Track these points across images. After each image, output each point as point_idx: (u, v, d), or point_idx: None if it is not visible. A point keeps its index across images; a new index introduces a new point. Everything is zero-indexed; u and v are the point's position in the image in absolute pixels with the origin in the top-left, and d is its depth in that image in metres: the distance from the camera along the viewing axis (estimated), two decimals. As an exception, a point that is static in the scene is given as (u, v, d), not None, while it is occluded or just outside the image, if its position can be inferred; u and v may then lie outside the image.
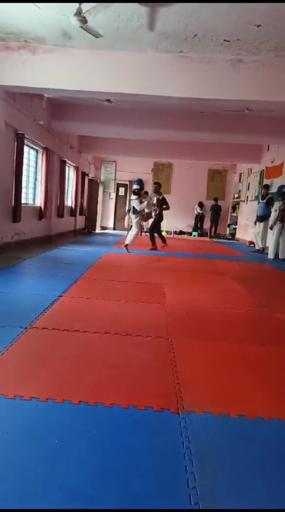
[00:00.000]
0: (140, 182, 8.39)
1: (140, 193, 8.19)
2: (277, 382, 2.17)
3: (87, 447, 1.48)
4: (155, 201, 8.94)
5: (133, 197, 8.07)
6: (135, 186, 8.18)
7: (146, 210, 8.27)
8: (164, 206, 8.90)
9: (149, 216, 9.06)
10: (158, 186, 9.19)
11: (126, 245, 7.77)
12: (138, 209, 7.90)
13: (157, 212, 8.86)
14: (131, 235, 7.94)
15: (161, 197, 8.93)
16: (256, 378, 2.20)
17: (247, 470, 1.42)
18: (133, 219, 8.10)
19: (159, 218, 8.99)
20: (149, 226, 9.65)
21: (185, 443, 1.53)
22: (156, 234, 9.01)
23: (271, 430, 1.69)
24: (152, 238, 8.80)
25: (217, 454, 1.51)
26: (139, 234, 12.64)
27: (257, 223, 9.43)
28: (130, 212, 8.09)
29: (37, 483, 1.27)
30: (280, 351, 2.67)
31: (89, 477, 1.32)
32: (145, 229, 13.15)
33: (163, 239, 9.29)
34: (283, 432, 1.68)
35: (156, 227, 9.08)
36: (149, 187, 14.85)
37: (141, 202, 7.92)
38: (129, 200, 8.77)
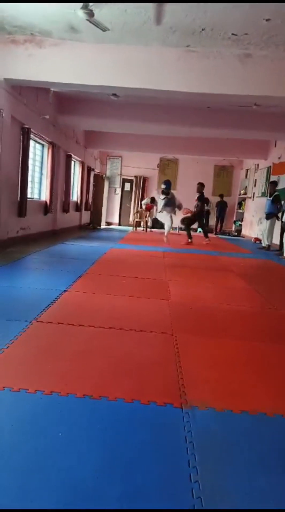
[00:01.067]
0: (168, 182, 9.54)
1: (169, 193, 9.30)
2: (280, 378, 2.17)
3: (91, 440, 1.50)
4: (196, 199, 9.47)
5: (161, 196, 9.32)
6: (163, 186, 9.48)
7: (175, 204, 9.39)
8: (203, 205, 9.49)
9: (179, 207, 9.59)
10: (200, 186, 9.55)
11: (166, 239, 9.15)
12: (176, 204, 9.27)
13: (198, 208, 9.30)
14: (168, 229, 9.37)
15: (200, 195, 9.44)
16: (259, 374, 2.20)
17: (249, 465, 1.42)
18: (164, 215, 9.31)
19: (198, 215, 9.42)
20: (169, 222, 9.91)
21: (188, 438, 1.54)
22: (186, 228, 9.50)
23: (273, 426, 1.69)
24: (189, 233, 9.28)
25: (220, 449, 1.51)
26: (145, 230, 12.72)
27: (264, 220, 9.38)
28: (161, 208, 9.31)
29: (40, 475, 1.29)
30: (283, 348, 2.66)
31: (92, 470, 1.33)
32: (149, 225, 13.17)
33: (189, 235, 9.43)
34: (286, 428, 1.68)
35: (191, 224, 9.46)
36: (154, 184, 14.83)
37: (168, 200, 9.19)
38: (160, 199, 9.53)
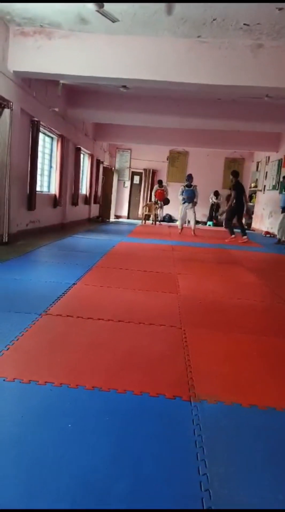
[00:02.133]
0: (190, 176, 9.76)
1: (193, 185, 9.65)
2: (290, 374, 2.16)
3: (100, 432, 1.51)
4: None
5: (187, 188, 9.56)
6: (186, 182, 9.75)
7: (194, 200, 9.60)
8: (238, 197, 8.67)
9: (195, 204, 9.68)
10: (235, 173, 8.98)
11: (194, 231, 9.69)
12: (194, 197, 9.53)
13: (234, 202, 8.72)
14: (194, 222, 9.83)
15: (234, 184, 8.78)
16: (268, 369, 2.19)
17: (258, 459, 1.42)
18: (189, 208, 9.59)
19: (236, 208, 8.80)
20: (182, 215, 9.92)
21: (196, 431, 1.55)
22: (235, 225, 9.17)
23: (283, 421, 1.69)
24: (230, 229, 8.97)
25: (228, 443, 1.52)
26: (154, 223, 12.69)
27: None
28: (184, 200, 9.54)
29: (51, 466, 1.31)
30: (294, 343, 2.64)
31: (102, 461, 1.35)
32: (159, 218, 13.13)
33: (243, 231, 9.02)
34: (295, 423, 1.67)
35: (231, 218, 9.06)
36: (163, 176, 14.74)
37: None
38: (182, 192, 9.69)
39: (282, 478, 1.33)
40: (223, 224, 9.58)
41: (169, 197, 13.80)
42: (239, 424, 1.64)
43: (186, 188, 9.59)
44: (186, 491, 1.24)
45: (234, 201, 8.65)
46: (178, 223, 10.35)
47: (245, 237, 8.85)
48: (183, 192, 9.62)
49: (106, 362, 2.11)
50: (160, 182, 13.13)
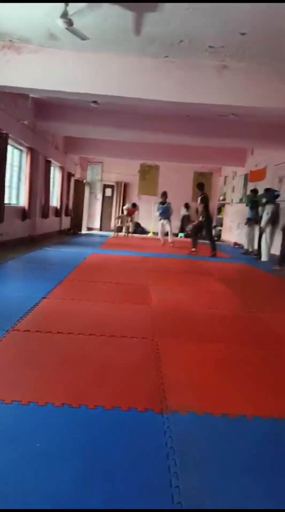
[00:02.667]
0: (164, 194, 10.17)
1: (167, 202, 10.11)
2: (259, 381, 2.21)
3: (71, 449, 1.49)
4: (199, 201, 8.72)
5: (161, 205, 10.15)
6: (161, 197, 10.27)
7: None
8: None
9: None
10: (201, 186, 8.94)
11: (172, 243, 10.14)
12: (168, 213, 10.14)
13: (204, 211, 8.56)
14: (171, 234, 10.36)
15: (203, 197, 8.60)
16: (239, 377, 2.24)
17: (230, 468, 1.44)
18: (165, 223, 10.20)
19: (204, 222, 8.65)
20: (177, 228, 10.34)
21: (168, 443, 1.55)
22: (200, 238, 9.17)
23: (253, 428, 1.72)
24: (194, 241, 8.96)
25: (200, 453, 1.53)
26: (127, 235, 12.74)
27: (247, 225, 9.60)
28: (160, 216, 10.21)
29: (18, 487, 1.27)
30: (262, 350, 2.72)
31: (72, 479, 1.32)
32: (130, 230, 13.20)
33: (214, 245, 8.68)
34: (265, 430, 1.72)
35: (198, 232, 9.00)
36: (135, 189, 14.88)
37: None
38: (157, 208, 10.36)
39: (255, 487, 1.35)
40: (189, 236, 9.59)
41: (140, 209, 14.00)
42: (210, 434, 1.66)
43: (160, 205, 10.13)
44: (158, 504, 1.24)
45: (202, 216, 8.57)
46: (159, 236, 10.81)
47: (215, 251, 8.59)
48: (158, 208, 10.22)
49: (77, 377, 2.08)
50: (134, 204, 13.52)
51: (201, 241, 9.28)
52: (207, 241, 9.10)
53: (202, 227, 8.88)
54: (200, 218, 8.67)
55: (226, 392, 2.04)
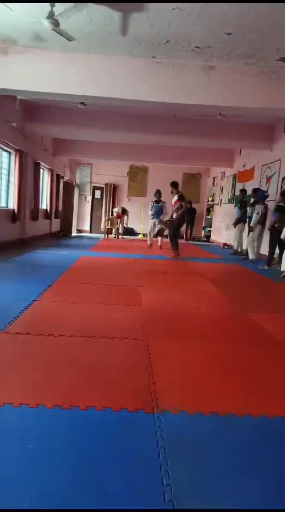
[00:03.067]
0: (159, 192, 9.63)
1: (162, 202, 9.63)
2: (248, 379, 2.23)
3: (62, 450, 1.48)
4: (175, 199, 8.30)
5: (156, 204, 9.63)
6: (155, 196, 9.73)
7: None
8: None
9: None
10: (174, 184, 8.49)
11: (160, 246, 9.72)
12: (162, 214, 9.56)
13: (183, 209, 8.16)
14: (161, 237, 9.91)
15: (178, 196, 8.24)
16: (229, 376, 2.25)
17: (220, 466, 1.45)
18: (157, 223, 9.65)
19: (182, 220, 8.38)
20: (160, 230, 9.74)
21: (160, 443, 1.56)
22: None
23: (243, 426, 1.74)
24: (175, 244, 8.16)
25: (191, 452, 1.54)
26: (117, 237, 12.72)
27: (236, 225, 9.64)
28: (154, 218, 9.63)
29: (10, 488, 1.26)
30: (251, 349, 2.74)
31: (64, 480, 1.31)
32: (121, 232, 13.18)
33: (176, 245, 8.22)
34: (255, 427, 1.73)
35: (177, 231, 8.47)
36: (124, 191, 14.88)
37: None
38: (151, 207, 9.77)
39: (247, 484, 1.36)
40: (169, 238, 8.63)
41: (130, 211, 13.97)
42: (201, 432, 1.67)
43: (155, 204, 9.64)
44: (149, 503, 1.24)
45: (179, 212, 8.05)
46: (148, 237, 10.09)
47: (177, 251, 8.09)
48: (152, 207, 9.66)
49: (69, 379, 2.07)
50: (123, 209, 13.28)
51: (193, 242, 9.24)
52: (196, 242, 9.05)
53: (180, 225, 8.42)
54: (174, 215, 8.15)
55: (216, 391, 2.05)
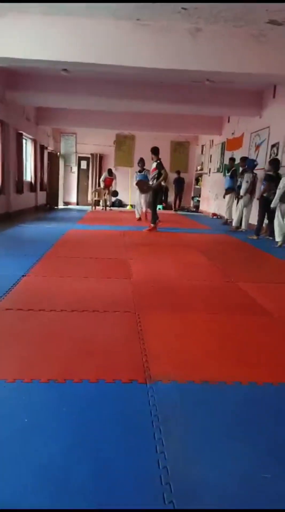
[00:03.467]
0: (141, 160, 9.14)
1: (145, 170, 8.98)
2: (238, 348, 2.30)
3: (58, 423, 1.52)
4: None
5: (139, 173, 9.15)
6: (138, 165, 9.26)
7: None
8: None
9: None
10: (155, 150, 7.72)
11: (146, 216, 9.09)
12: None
13: (161, 177, 7.50)
14: (146, 207, 9.37)
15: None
16: (219, 345, 2.32)
17: (213, 433, 1.52)
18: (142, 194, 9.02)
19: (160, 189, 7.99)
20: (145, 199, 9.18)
21: (153, 412, 1.61)
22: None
23: (232, 394, 1.80)
24: (154, 214, 7.71)
25: (183, 420, 1.60)
26: (104, 208, 12.57)
27: (226, 196, 9.59)
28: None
29: (8, 461, 1.30)
30: (241, 318, 2.81)
31: (60, 451, 1.36)
32: (108, 203, 13.02)
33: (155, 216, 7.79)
34: (244, 394, 1.80)
35: (156, 200, 8.00)
36: (111, 161, 14.56)
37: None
38: (135, 177, 9.22)
39: (239, 451, 1.42)
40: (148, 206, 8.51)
41: (117, 182, 13.74)
42: (192, 401, 1.73)
43: (138, 173, 9.18)
44: (144, 470, 1.30)
45: (158, 180, 7.50)
46: (136, 209, 9.78)
47: (155, 224, 7.71)
48: (136, 177, 9.14)
49: (61, 353, 2.10)
50: (110, 170, 12.99)
51: (182, 212, 9.16)
52: (185, 212, 8.99)
53: (157, 195, 7.93)
54: (153, 182, 7.59)
55: (207, 360, 2.11)
